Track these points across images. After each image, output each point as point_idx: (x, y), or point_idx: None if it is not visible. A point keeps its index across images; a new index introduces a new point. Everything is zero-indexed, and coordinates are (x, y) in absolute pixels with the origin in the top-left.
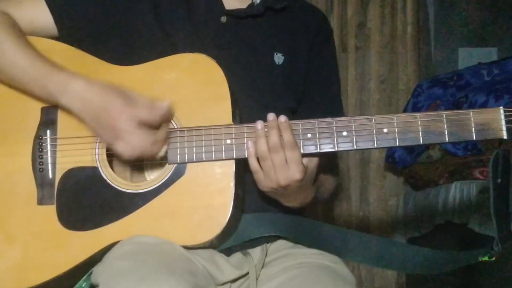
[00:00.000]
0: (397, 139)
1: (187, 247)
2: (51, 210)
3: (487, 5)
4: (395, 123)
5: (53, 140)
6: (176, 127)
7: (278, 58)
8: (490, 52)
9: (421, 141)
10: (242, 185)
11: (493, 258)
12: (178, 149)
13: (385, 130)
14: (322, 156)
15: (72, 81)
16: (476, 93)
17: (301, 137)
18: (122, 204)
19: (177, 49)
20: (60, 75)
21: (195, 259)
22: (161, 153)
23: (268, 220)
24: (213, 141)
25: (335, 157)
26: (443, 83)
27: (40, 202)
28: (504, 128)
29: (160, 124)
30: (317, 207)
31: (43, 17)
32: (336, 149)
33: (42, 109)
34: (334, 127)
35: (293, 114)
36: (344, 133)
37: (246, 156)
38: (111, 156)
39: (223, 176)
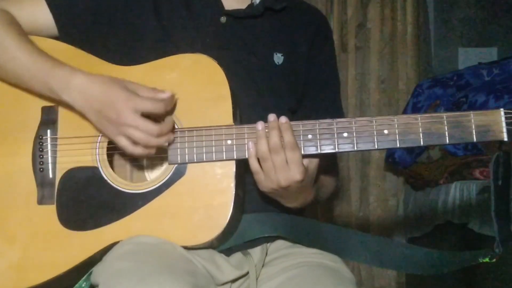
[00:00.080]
0: (397, 141)
1: (187, 247)
2: (51, 210)
3: (487, 5)
4: (396, 125)
5: (54, 140)
6: (176, 127)
7: (278, 58)
8: (490, 52)
9: (422, 143)
10: (243, 186)
11: (494, 260)
12: (178, 150)
13: (385, 131)
14: (322, 157)
15: (74, 77)
16: (476, 93)
17: (301, 138)
18: (123, 204)
19: (177, 49)
20: (61, 71)
21: (195, 259)
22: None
23: (268, 220)
24: (213, 141)
25: (335, 158)
26: (443, 83)
27: (40, 202)
28: (504, 130)
29: (164, 115)
30: (317, 207)
31: (43, 17)
32: (336, 150)
33: (43, 108)
34: (335, 128)
35: (293, 114)
36: (345, 134)
37: (246, 156)
38: (112, 156)
39: (223, 176)
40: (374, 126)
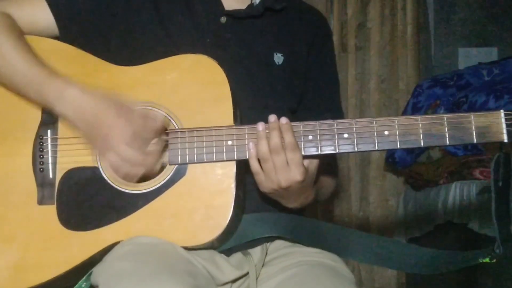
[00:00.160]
0: (398, 142)
1: (187, 248)
2: (51, 210)
3: (487, 5)
4: (396, 126)
5: (54, 140)
6: (177, 127)
7: (278, 58)
8: (490, 52)
9: (422, 144)
10: (243, 186)
11: (494, 260)
12: (179, 150)
13: (386, 132)
14: (323, 157)
15: (68, 89)
16: (476, 93)
17: (302, 139)
18: (123, 205)
19: (177, 50)
20: (56, 81)
21: (195, 259)
22: (156, 167)
23: (269, 220)
24: (214, 142)
25: (335, 158)
26: (443, 83)
27: (41, 202)
28: (504, 131)
29: (154, 137)
30: (317, 207)
31: (44, 17)
32: (337, 151)
33: (43, 108)
34: (335, 129)
35: (293, 114)
36: (345, 135)
37: (247, 157)
38: None
39: (224, 177)
40: (375, 127)
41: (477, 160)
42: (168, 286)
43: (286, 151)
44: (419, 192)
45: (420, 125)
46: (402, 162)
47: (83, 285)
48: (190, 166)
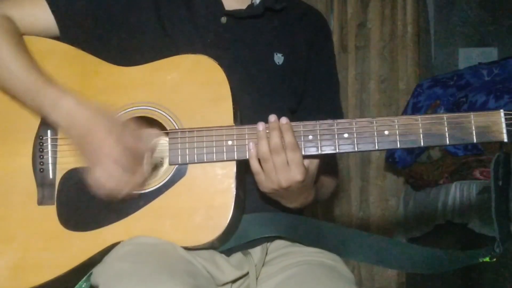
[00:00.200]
0: (398, 141)
1: (188, 248)
2: (51, 210)
3: (487, 5)
4: (396, 125)
5: (54, 140)
6: (177, 127)
7: (278, 58)
8: (490, 52)
9: (422, 144)
10: (243, 186)
11: (494, 259)
12: (179, 150)
13: (386, 132)
14: (323, 157)
15: (63, 99)
16: (476, 93)
17: (302, 139)
18: (123, 205)
19: (178, 50)
20: (52, 90)
21: (195, 260)
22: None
23: (269, 220)
24: (214, 142)
25: (335, 158)
26: (443, 83)
27: (41, 202)
28: (504, 131)
29: (143, 156)
30: (317, 207)
31: (44, 17)
32: (337, 151)
33: None
34: (335, 129)
35: (293, 114)
36: (345, 135)
37: (247, 157)
38: None
39: (224, 177)
40: (375, 127)
41: (477, 160)
42: (168, 287)
43: (286, 151)
44: (419, 192)
45: (420, 124)
46: (402, 162)
47: (83, 286)
48: (190, 166)
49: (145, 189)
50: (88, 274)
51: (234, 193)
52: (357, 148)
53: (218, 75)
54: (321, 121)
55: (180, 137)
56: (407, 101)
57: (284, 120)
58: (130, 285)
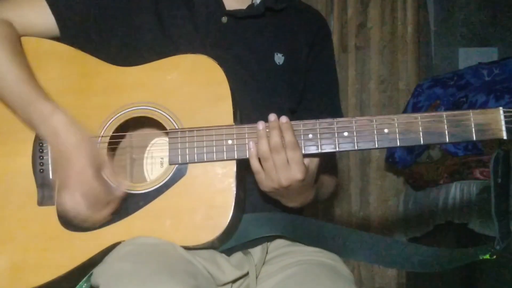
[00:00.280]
0: (398, 140)
1: (188, 248)
2: (51, 211)
3: (487, 5)
4: (396, 124)
5: None
6: (177, 127)
7: (279, 58)
8: (490, 52)
9: (422, 141)
10: (243, 186)
11: (494, 257)
12: (179, 150)
13: (386, 130)
14: (323, 156)
15: (53, 116)
16: (476, 93)
17: (302, 138)
18: (123, 205)
19: (178, 50)
20: (43, 106)
21: (196, 260)
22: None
23: (269, 220)
24: (214, 141)
25: (334, 158)
26: (443, 83)
27: (41, 203)
28: (503, 128)
29: (111, 201)
30: (318, 207)
31: (45, 18)
32: (337, 149)
33: None
34: (335, 128)
35: (293, 114)
36: (345, 134)
37: (247, 156)
38: (112, 157)
39: (224, 176)
40: (375, 125)
41: (477, 160)
42: (169, 287)
43: (286, 149)
44: (419, 192)
45: (420, 123)
46: (402, 162)
47: (83, 286)
48: (190, 166)
49: (146, 189)
50: (88, 274)
51: (234, 192)
52: (357, 146)
53: (218, 75)
54: (321, 120)
55: (180, 137)
56: (407, 101)
57: (284, 119)
58: (130, 285)
